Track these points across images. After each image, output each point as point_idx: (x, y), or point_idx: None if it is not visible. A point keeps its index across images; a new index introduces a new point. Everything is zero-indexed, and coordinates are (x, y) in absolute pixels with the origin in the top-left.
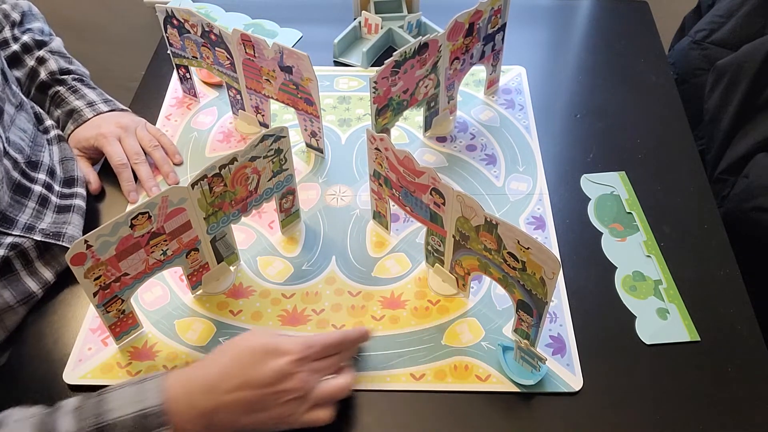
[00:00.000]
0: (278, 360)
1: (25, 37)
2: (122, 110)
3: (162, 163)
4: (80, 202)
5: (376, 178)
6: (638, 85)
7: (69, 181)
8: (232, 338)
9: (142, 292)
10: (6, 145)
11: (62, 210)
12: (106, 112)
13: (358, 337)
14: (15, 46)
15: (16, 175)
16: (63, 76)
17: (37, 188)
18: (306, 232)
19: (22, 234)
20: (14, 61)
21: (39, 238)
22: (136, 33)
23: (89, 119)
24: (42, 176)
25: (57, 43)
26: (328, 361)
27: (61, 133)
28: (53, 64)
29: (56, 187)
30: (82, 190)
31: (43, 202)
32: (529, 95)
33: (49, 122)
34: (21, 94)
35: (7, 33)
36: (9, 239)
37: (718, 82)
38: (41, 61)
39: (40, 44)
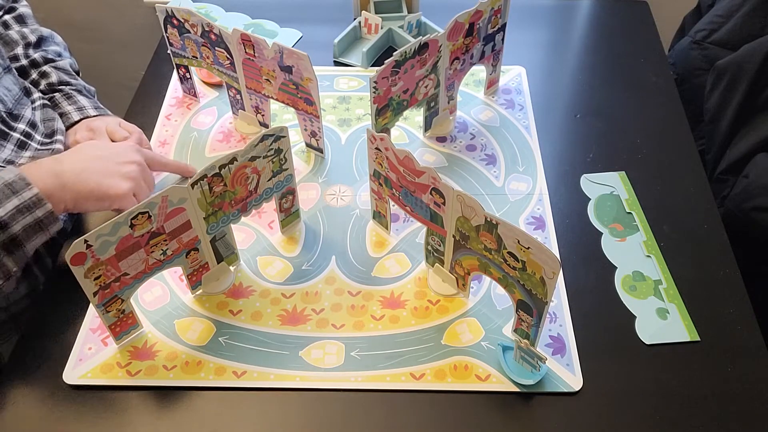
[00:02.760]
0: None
1: (36, 55)
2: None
3: None
4: (60, 147)
5: (376, 178)
6: (638, 85)
7: (50, 134)
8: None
9: (142, 292)
10: None
11: (41, 154)
12: (94, 116)
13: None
14: (23, 62)
15: None
16: (61, 86)
17: (16, 135)
18: (306, 232)
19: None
20: (20, 75)
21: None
22: (136, 33)
23: (76, 122)
24: (22, 126)
25: (65, 62)
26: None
27: (47, 102)
28: (54, 76)
29: (36, 136)
30: (62, 138)
31: (22, 145)
32: (529, 95)
33: (36, 95)
34: (9, 61)
35: (19, 51)
36: None
37: (718, 82)
38: (43, 74)
39: (48, 61)
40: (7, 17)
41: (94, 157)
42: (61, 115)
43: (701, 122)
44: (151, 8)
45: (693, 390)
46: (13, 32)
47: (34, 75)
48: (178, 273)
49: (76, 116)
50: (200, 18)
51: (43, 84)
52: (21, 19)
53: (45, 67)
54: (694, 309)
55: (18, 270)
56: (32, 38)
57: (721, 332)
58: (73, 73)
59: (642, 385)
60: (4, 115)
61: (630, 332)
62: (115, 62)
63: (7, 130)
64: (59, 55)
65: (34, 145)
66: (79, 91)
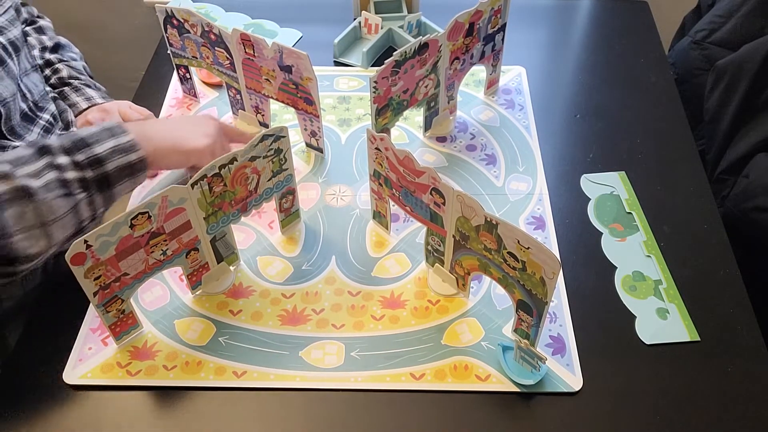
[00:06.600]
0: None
1: (51, 56)
2: None
3: None
4: None
5: (376, 178)
6: (638, 85)
7: (66, 127)
8: None
9: (142, 292)
10: (20, 79)
11: None
12: (102, 103)
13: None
14: (39, 62)
15: (24, 105)
16: (71, 80)
17: (42, 122)
18: (306, 232)
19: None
20: None
21: None
22: (136, 33)
23: (84, 110)
24: (47, 116)
25: (78, 63)
26: None
27: (56, 95)
28: (65, 72)
29: (56, 130)
30: (75, 130)
31: (47, 130)
32: (529, 95)
33: (48, 90)
34: (36, 60)
35: (36, 53)
36: None
37: (718, 82)
38: (55, 71)
39: (62, 62)
40: (28, 28)
41: (175, 119)
42: (70, 106)
43: (701, 122)
44: (151, 8)
45: (693, 390)
46: (32, 38)
47: (47, 71)
48: (178, 273)
49: (84, 105)
50: (200, 18)
51: (53, 79)
52: (41, 31)
53: (58, 65)
54: (694, 309)
55: (105, 210)
56: (49, 44)
57: (721, 332)
58: (85, 73)
59: (642, 385)
60: (32, 104)
61: (630, 332)
62: (115, 62)
63: (34, 116)
64: (74, 60)
65: (57, 132)
66: (88, 85)
